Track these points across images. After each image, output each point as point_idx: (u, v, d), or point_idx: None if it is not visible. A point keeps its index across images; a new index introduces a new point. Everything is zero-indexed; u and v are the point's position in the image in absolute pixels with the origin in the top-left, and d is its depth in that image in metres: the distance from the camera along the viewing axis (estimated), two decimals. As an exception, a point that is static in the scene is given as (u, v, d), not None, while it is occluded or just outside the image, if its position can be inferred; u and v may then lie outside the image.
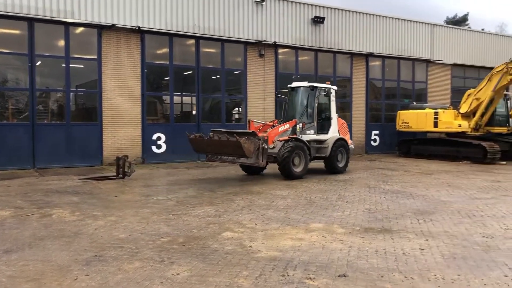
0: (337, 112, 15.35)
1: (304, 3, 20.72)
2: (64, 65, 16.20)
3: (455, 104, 22.20)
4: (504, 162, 18.43)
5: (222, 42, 18.98)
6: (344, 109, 22.57)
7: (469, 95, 20.30)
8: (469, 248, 6.26)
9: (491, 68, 20.33)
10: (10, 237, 6.78)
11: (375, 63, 23.64)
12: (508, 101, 20.58)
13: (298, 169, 13.23)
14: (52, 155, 15.77)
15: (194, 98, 19.29)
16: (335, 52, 21.92)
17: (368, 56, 22.95)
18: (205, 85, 19.34)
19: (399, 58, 23.96)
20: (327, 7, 21.42)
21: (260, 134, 12.62)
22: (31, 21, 15.35)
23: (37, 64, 15.89)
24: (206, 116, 19.77)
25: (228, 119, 20.53)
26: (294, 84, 15.00)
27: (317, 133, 14.37)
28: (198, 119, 18.79)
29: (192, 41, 18.55)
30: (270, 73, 20.29)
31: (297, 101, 14.70)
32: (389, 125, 23.34)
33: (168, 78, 18.42)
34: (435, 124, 20.27)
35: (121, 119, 17.08)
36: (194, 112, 19.47)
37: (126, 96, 17.14)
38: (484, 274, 5.21)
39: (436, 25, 25.56)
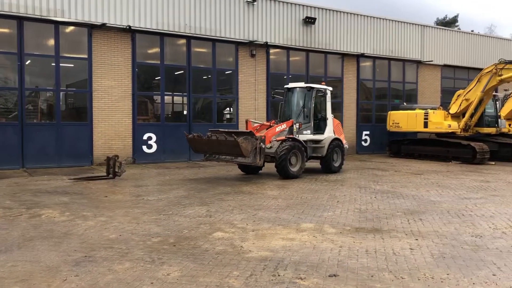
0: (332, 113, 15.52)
1: (295, 4, 20.76)
2: (54, 64, 16.07)
3: (445, 104, 22.41)
4: (493, 163, 18.61)
5: (214, 42, 18.96)
6: (335, 110, 22.50)
7: (458, 95, 20.48)
8: (458, 247, 6.31)
9: (481, 69, 20.53)
10: (-2, 237, 6.71)
11: (366, 64, 23.75)
12: (497, 102, 20.79)
13: (295, 169, 13.39)
14: (42, 155, 15.65)
15: (185, 98, 19.25)
16: (326, 53, 21.99)
17: (359, 57, 23.05)
18: (196, 85, 19.30)
19: (389, 59, 24.09)
20: (319, 8, 21.49)
21: (258, 134, 12.75)
22: (20, 20, 15.21)
23: (27, 63, 15.75)
24: (197, 116, 19.73)
25: (219, 119, 20.52)
26: (291, 85, 15.16)
27: (314, 133, 14.55)
28: (189, 119, 18.74)
29: (183, 41, 18.50)
30: (261, 73, 20.30)
31: (294, 101, 14.88)
32: (380, 126, 23.46)
33: (159, 77, 18.35)
34: (425, 125, 20.41)
35: (112, 119, 16.99)
36: (185, 112, 19.42)
37: (116, 95, 17.06)
38: (473, 273, 5.26)
39: (426, 26, 25.74)
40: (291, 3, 20.63)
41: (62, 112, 16.75)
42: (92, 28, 16.45)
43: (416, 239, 6.72)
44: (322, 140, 14.64)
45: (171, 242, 6.46)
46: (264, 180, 13.09)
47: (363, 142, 23.53)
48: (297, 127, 13.90)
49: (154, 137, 17.85)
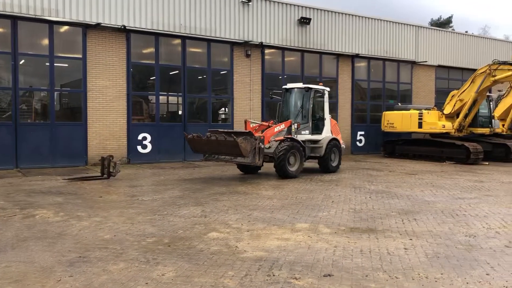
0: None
1: (290, 4, 20.79)
2: (48, 64, 16.01)
3: (439, 105, 22.50)
4: (487, 163, 18.71)
5: (209, 42, 18.95)
6: (330, 110, 22.62)
7: (452, 96, 20.58)
8: (452, 247, 6.34)
9: (474, 70, 20.65)
10: (-8, 238, 6.67)
11: (361, 64, 23.81)
12: (491, 103, 20.90)
13: (293, 168, 13.51)
14: (36, 155, 15.58)
15: (180, 98, 19.21)
16: (321, 53, 22.03)
17: (354, 57, 23.11)
18: (191, 85, 19.28)
19: (384, 59, 24.17)
20: (314, 8, 21.52)
21: (256, 134, 12.84)
22: (14, 19, 15.14)
23: (21, 62, 15.67)
24: (192, 116, 19.70)
25: (214, 119, 20.51)
26: (289, 85, 15.30)
27: (312, 133, 14.67)
28: (184, 119, 18.72)
29: (178, 41, 18.48)
30: (256, 73, 20.31)
31: (292, 102, 15.03)
32: (375, 126, 23.53)
33: (154, 77, 18.32)
34: (420, 125, 20.49)
35: (106, 119, 16.94)
36: (180, 112, 19.40)
37: (111, 95, 17.01)
38: (467, 273, 5.28)
39: (421, 27, 25.85)
40: (286, 4, 20.66)
41: (57, 112, 16.68)
42: (86, 28, 16.39)
43: (411, 239, 6.74)
44: (320, 140, 14.79)
45: (166, 242, 6.45)
46: (259, 180, 13.10)
47: (357, 143, 23.59)
48: (296, 127, 14.03)
49: (149, 137, 17.81)
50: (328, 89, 15.44)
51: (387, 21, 24.15)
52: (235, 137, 12.19)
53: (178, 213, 8.42)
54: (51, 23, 15.73)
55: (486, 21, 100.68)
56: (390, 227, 7.54)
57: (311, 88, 14.64)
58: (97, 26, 16.40)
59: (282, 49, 20.86)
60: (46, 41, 15.89)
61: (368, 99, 24.30)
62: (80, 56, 16.45)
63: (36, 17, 15.34)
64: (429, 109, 20.79)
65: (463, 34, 28.88)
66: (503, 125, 21.39)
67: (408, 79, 25.35)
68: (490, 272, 5.32)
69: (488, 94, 20.30)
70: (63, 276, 5.08)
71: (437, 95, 26.32)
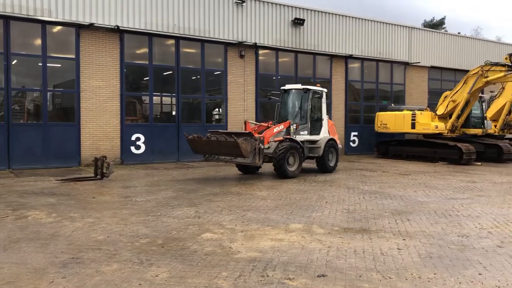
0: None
1: (284, 5, 20.82)
2: (41, 64, 15.92)
3: (432, 106, 22.62)
4: (479, 163, 18.83)
5: (202, 42, 18.93)
6: (324, 111, 22.72)
7: (445, 97, 20.70)
8: (445, 247, 6.38)
9: (467, 71, 20.78)
10: (-16, 239, 6.62)
11: (354, 65, 23.89)
12: (483, 103, 21.03)
13: (292, 168, 13.65)
14: (28, 156, 15.48)
15: (174, 99, 19.18)
16: (315, 54, 22.08)
17: (347, 58, 23.18)
18: (185, 85, 19.25)
19: (377, 60, 24.27)
20: (307, 9, 21.57)
21: (256, 135, 12.91)
22: (7, 19, 15.04)
23: (13, 62, 15.57)
24: (186, 116, 19.65)
25: (208, 120, 20.49)
26: (287, 86, 15.44)
27: (310, 133, 14.82)
28: (177, 120, 18.68)
29: (172, 41, 18.44)
30: (250, 74, 20.32)
31: (290, 102, 15.15)
32: (368, 127, 23.61)
33: (148, 78, 18.27)
34: (413, 126, 20.59)
35: (100, 119, 16.87)
36: (174, 113, 19.36)
37: (104, 96, 16.94)
38: (459, 273, 5.32)
39: (414, 28, 25.98)
40: (280, 4, 20.69)
41: (49, 112, 16.59)
42: (79, 28, 16.32)
43: (404, 239, 6.77)
44: (318, 140, 14.94)
45: (160, 243, 6.44)
46: (254, 180, 13.12)
47: (351, 143, 23.66)
48: (294, 128, 14.15)
49: (142, 138, 17.76)
50: (325, 90, 15.58)
51: (380, 22, 24.25)
52: (235, 138, 12.30)
53: (172, 214, 8.40)
54: (44, 23, 15.65)
55: (478, 23, 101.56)
56: (383, 227, 7.56)
57: (309, 89, 14.78)
58: (90, 26, 16.34)
59: (276, 49, 20.88)
60: (39, 41, 15.80)
61: (362, 100, 24.37)
62: (73, 56, 16.38)
63: (29, 17, 15.26)
64: (422, 110, 20.91)
65: (456, 35, 29.08)
66: (495, 126, 21.54)
67: (401, 80, 25.47)
68: (483, 272, 5.35)
69: (480, 95, 20.44)
70: (56, 277, 5.06)
71: (430, 96, 26.46)
